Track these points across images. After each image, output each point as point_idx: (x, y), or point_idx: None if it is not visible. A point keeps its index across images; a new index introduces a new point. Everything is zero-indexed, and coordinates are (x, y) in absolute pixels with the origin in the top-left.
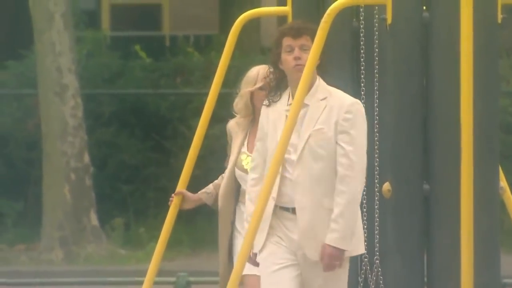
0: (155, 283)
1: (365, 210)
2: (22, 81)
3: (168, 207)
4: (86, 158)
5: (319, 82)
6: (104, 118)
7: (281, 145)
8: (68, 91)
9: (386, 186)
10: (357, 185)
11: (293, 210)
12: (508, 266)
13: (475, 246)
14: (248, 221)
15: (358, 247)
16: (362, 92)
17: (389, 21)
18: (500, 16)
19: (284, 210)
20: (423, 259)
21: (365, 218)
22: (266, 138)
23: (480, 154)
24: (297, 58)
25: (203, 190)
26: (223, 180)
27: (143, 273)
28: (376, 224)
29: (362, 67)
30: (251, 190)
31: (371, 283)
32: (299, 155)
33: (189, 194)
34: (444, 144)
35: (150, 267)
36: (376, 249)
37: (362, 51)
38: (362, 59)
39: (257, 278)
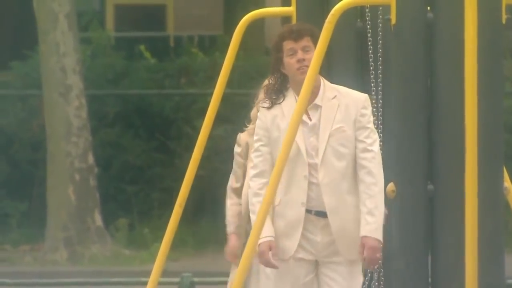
0: (160, 283)
1: None
2: (26, 82)
3: (172, 207)
4: (91, 158)
5: (324, 82)
6: (108, 119)
7: (285, 147)
8: (72, 91)
9: (391, 186)
10: (382, 176)
11: (322, 214)
12: None
13: (479, 246)
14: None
15: None
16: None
17: (393, 21)
18: (504, 17)
19: (314, 214)
20: (427, 260)
21: None
22: (274, 143)
23: (485, 154)
24: (300, 60)
25: (232, 230)
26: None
27: (148, 274)
28: None
29: (371, 67)
30: (258, 193)
31: (374, 283)
32: (322, 157)
33: (235, 243)
34: (448, 144)
35: (155, 268)
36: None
37: (370, 51)
38: (370, 59)
39: None
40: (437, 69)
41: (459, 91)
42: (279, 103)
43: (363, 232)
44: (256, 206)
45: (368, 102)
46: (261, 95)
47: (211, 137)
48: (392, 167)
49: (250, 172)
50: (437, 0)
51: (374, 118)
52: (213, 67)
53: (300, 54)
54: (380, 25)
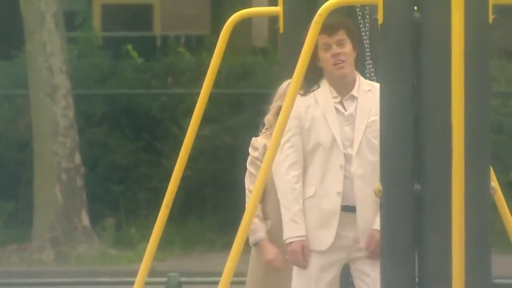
0: (146, 283)
1: None
2: (13, 82)
3: (159, 207)
4: (77, 158)
5: (359, 76)
6: (95, 119)
7: (277, 134)
8: (59, 91)
9: (377, 186)
10: None
11: (350, 209)
12: (499, 266)
13: (466, 246)
14: (294, 221)
15: None
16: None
17: (380, 21)
18: (491, 17)
19: (341, 210)
20: (414, 260)
21: None
22: (306, 133)
23: (472, 154)
24: (336, 55)
25: (263, 235)
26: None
27: (134, 274)
28: None
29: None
30: (294, 187)
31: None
32: (357, 148)
33: (272, 248)
34: (435, 144)
35: (141, 268)
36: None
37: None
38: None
39: None
40: (424, 69)
41: (446, 91)
42: (313, 92)
43: (376, 225)
44: (292, 203)
45: None
46: (276, 99)
47: (198, 137)
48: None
49: (282, 165)
50: (424, 0)
51: None
52: (200, 67)
53: (334, 49)
54: (368, 24)
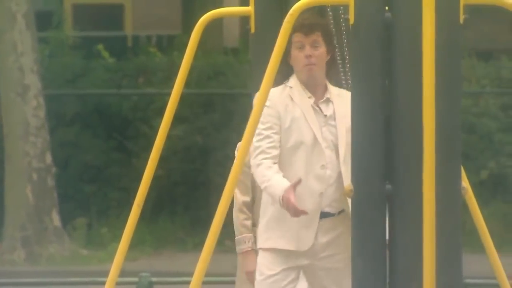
0: (118, 283)
1: None
2: None
3: (130, 207)
4: (48, 158)
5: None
6: (66, 119)
7: (248, 135)
8: (30, 91)
9: (348, 186)
10: None
11: (327, 215)
12: (470, 266)
13: (437, 246)
14: (278, 183)
15: None
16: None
17: (351, 21)
18: (462, 17)
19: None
20: (385, 259)
21: None
22: (287, 131)
23: (442, 154)
24: (308, 56)
25: (250, 246)
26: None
27: (105, 274)
28: None
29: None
30: (270, 166)
31: None
32: (344, 153)
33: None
34: (406, 144)
35: (113, 267)
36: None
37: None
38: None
39: None
40: (395, 68)
41: (417, 90)
42: (287, 92)
43: None
44: (271, 174)
45: None
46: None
47: (169, 137)
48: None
49: (259, 156)
50: (395, 0)
51: None
52: (171, 67)
53: (308, 50)
54: (343, 24)
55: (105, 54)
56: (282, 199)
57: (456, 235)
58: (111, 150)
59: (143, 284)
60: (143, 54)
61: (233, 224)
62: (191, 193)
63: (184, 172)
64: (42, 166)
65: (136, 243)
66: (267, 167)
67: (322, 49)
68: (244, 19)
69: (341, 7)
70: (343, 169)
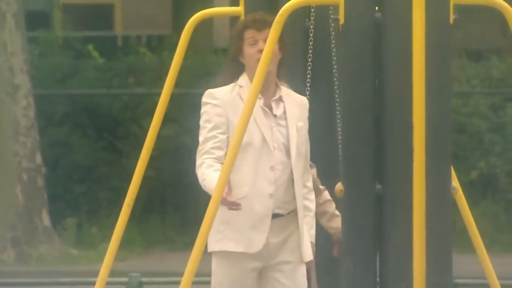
0: (108, 283)
1: None
2: None
3: (120, 207)
4: (38, 158)
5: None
6: (56, 118)
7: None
8: (20, 91)
9: (339, 186)
10: None
11: (277, 216)
12: (460, 266)
13: (427, 246)
14: (214, 179)
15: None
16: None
17: (341, 21)
18: (452, 17)
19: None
20: (376, 259)
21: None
22: (232, 131)
23: (432, 154)
24: (261, 51)
25: None
26: None
27: (96, 274)
28: None
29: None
30: (211, 165)
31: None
32: (295, 153)
33: None
34: (396, 144)
35: (103, 268)
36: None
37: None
38: (309, 59)
39: None
40: (385, 68)
41: (407, 90)
42: (236, 90)
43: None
44: (209, 171)
45: None
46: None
47: (159, 137)
48: (340, 166)
49: (202, 156)
50: (385, 0)
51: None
52: (161, 67)
53: (261, 45)
54: (332, 24)
55: (95, 54)
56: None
57: (446, 235)
58: (101, 150)
59: (133, 284)
60: (133, 54)
61: None
62: (181, 193)
63: (174, 172)
64: (32, 166)
65: (126, 243)
66: (208, 165)
67: (275, 46)
68: (234, 19)
69: (331, 7)
70: (294, 169)
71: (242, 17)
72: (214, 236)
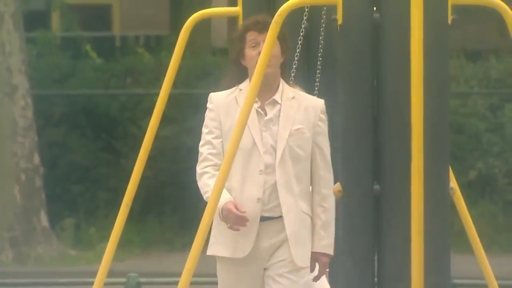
0: (106, 284)
1: None
2: None
3: (118, 207)
4: (36, 158)
5: (283, 82)
6: (54, 119)
7: (234, 141)
8: (18, 91)
9: (337, 187)
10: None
11: (267, 218)
12: (459, 266)
13: (425, 246)
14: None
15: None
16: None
17: (339, 21)
18: (450, 17)
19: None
20: (374, 260)
21: None
22: (227, 135)
23: (431, 154)
24: None
25: None
26: None
27: (94, 274)
28: None
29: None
30: (214, 174)
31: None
32: (280, 156)
33: None
34: (394, 144)
35: (101, 268)
36: None
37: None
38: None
39: None
40: (383, 69)
41: (405, 91)
42: (234, 94)
43: (317, 248)
44: (211, 183)
45: (325, 108)
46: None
47: (157, 138)
48: (338, 167)
49: (202, 164)
50: (383, 0)
51: None
52: (159, 67)
53: (262, 47)
54: (323, 25)
55: (93, 54)
56: (222, 211)
57: (444, 236)
58: (99, 150)
59: (131, 285)
60: (131, 54)
61: None
62: (179, 194)
63: (172, 172)
64: (30, 166)
65: (124, 244)
66: (211, 176)
67: (276, 49)
68: (232, 19)
69: (324, 8)
70: (277, 172)
71: (240, 18)
72: (210, 240)
